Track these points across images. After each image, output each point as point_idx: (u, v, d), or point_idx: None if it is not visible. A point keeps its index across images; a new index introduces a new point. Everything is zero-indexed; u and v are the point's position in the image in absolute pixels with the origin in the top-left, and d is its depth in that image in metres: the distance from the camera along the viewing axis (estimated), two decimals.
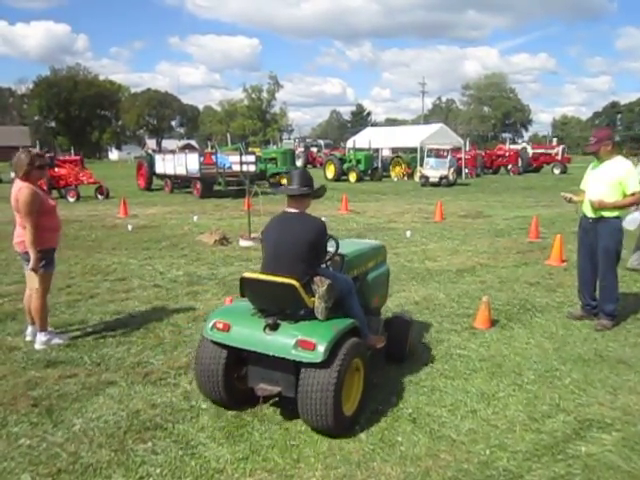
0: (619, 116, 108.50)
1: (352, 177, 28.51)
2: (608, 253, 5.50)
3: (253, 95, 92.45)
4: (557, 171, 37.04)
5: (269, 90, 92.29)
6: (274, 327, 3.56)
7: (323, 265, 4.06)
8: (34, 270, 4.79)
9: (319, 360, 3.34)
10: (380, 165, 31.63)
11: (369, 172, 29.11)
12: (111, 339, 5.16)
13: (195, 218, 13.77)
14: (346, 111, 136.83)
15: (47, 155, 36.60)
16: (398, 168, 31.37)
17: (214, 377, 3.70)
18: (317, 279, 3.68)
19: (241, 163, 16.11)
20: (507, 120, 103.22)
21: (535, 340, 5.21)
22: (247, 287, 3.76)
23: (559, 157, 38.34)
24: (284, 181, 23.58)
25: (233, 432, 3.52)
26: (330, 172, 29.84)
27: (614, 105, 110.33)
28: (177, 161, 20.74)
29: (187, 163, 20.02)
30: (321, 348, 3.36)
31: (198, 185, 19.84)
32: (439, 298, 6.60)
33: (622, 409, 3.85)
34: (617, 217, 5.48)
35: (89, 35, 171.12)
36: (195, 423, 3.64)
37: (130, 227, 12.17)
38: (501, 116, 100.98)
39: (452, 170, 25.65)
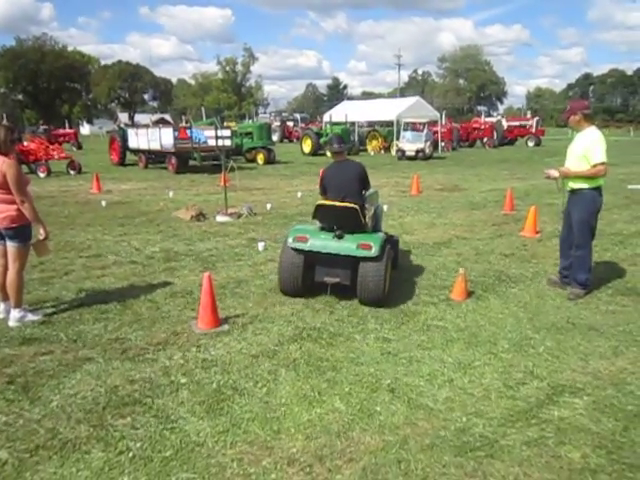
0: (591, 88, 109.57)
1: (329, 151, 28.37)
2: (580, 224, 5.58)
3: (228, 68, 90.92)
4: (531, 144, 37.42)
5: (244, 63, 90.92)
6: (340, 237, 5.31)
7: (371, 192, 6.03)
8: (47, 238, 4.94)
9: (375, 255, 5.14)
10: (357, 139, 31.50)
11: None
12: (87, 316, 5.10)
13: (171, 194, 13.58)
14: (322, 84, 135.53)
15: (43, 128, 35.87)
16: (375, 142, 31.33)
17: (294, 275, 5.40)
18: (367, 205, 5.78)
19: (217, 138, 15.89)
20: (482, 93, 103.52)
21: (510, 310, 5.30)
22: (320, 211, 5.46)
23: (533, 129, 38.65)
24: (260, 156, 23.40)
25: (213, 406, 3.53)
26: (307, 146, 29.62)
27: (587, 77, 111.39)
28: (151, 136, 20.34)
29: (161, 138, 19.65)
30: (375, 248, 5.16)
31: (173, 160, 19.54)
32: (416, 270, 6.65)
33: (593, 374, 3.96)
34: (592, 189, 5.50)
35: (54, 3, 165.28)
36: (175, 398, 3.63)
37: (104, 203, 11.96)
38: (476, 89, 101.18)
39: (428, 143, 25.67)
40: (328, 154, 27.81)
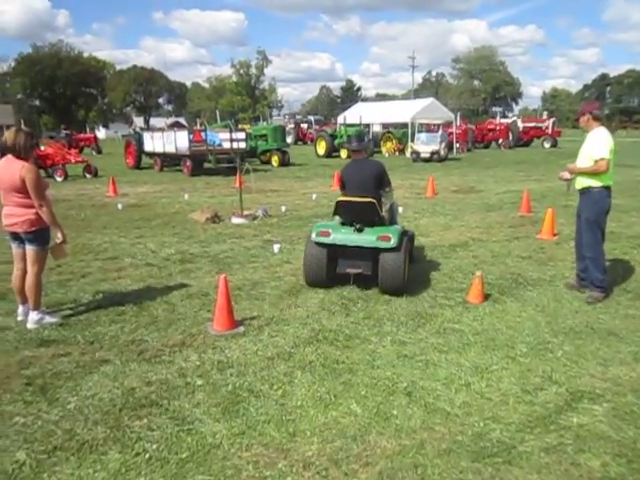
0: (608, 88, 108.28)
1: (343, 153, 28.30)
2: (588, 224, 5.58)
3: (241, 71, 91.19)
4: (547, 145, 37.05)
5: (257, 66, 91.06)
6: (360, 230, 5.68)
7: (388, 193, 6.25)
8: (64, 242, 4.98)
9: (394, 246, 5.49)
10: (371, 141, 31.46)
11: None
12: (104, 318, 5.13)
13: (186, 196, 13.66)
14: (336, 86, 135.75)
15: (65, 132, 36.45)
16: (389, 144, 31.24)
17: (319, 268, 5.79)
18: (383, 200, 6.07)
19: (231, 140, 15.96)
20: (497, 94, 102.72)
21: (527, 313, 5.24)
22: (340, 206, 5.83)
23: (549, 131, 38.28)
24: (275, 158, 23.45)
25: (229, 408, 3.53)
26: (321, 148, 29.64)
27: (603, 77, 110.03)
28: (166, 139, 20.49)
29: (176, 141, 19.79)
30: (394, 239, 5.51)
31: (188, 163, 19.66)
32: (432, 273, 6.61)
33: (612, 380, 3.90)
34: (599, 188, 5.46)
35: (70, 10, 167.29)
36: (191, 399, 3.64)
37: (120, 206, 12.06)
38: (491, 90, 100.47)
39: (443, 145, 25.53)
40: (343, 155, 27.91)
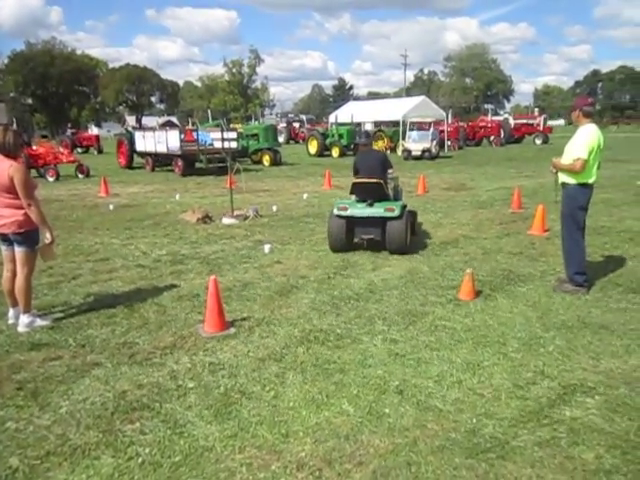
0: (600, 85, 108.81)
1: (335, 152, 28.34)
2: (563, 218, 5.75)
3: (234, 70, 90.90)
4: (539, 141, 37.21)
5: (250, 64, 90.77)
6: (371, 205, 7.24)
7: (392, 176, 7.89)
8: (53, 243, 4.95)
9: (397, 215, 7.07)
10: (357, 140, 31.42)
11: (352, 147, 28.90)
12: (95, 320, 5.11)
13: (177, 196, 13.63)
14: (328, 85, 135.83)
15: (70, 132, 36.29)
16: (381, 142, 31.20)
17: (339, 236, 7.40)
18: (389, 180, 7.69)
19: (223, 140, 15.85)
20: (489, 91, 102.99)
21: (519, 309, 5.26)
22: (355, 187, 7.44)
23: (541, 127, 38.43)
24: (266, 158, 23.39)
25: (221, 410, 3.52)
26: (313, 147, 29.62)
27: (595, 74, 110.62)
28: (158, 138, 20.43)
29: (168, 140, 19.74)
30: (397, 210, 7.09)
31: (179, 163, 19.62)
32: (423, 271, 6.62)
33: (605, 373, 3.92)
34: (577, 185, 5.54)
35: (63, 7, 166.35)
36: (182, 402, 3.62)
37: (111, 206, 12.01)
38: (483, 87, 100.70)
39: (435, 143, 25.56)
40: (334, 154, 27.93)
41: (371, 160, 7.60)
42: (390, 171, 7.78)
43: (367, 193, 7.37)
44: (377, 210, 7.17)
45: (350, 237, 7.51)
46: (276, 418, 3.42)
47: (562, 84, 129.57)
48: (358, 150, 8.15)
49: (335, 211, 7.38)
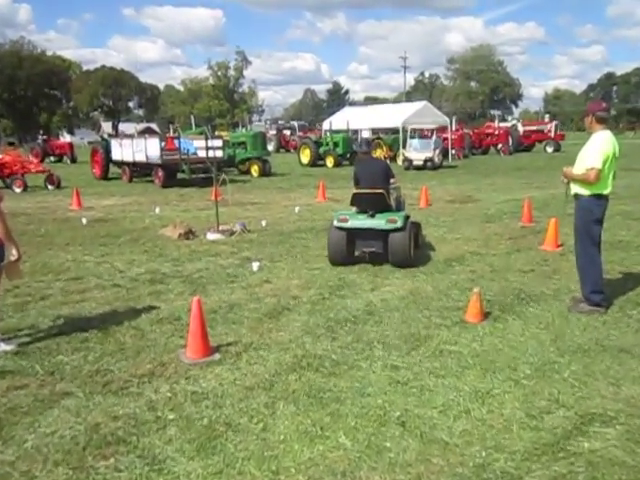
0: (615, 88, 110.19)
1: (329, 162, 28.50)
2: (577, 232, 5.80)
3: (219, 73, 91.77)
4: (550, 149, 37.62)
5: (236, 67, 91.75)
6: (372, 216, 7.49)
7: (394, 186, 8.17)
8: (20, 260, 4.93)
9: (400, 226, 7.31)
10: (356, 148, 31.63)
11: (348, 156, 29.09)
12: (66, 345, 5.06)
13: (157, 210, 13.61)
14: (321, 89, 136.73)
15: (42, 139, 36.12)
16: (379, 151, 31.35)
17: (340, 249, 7.63)
18: (391, 191, 7.92)
19: (207, 148, 15.90)
20: (496, 96, 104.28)
21: (531, 332, 5.27)
22: (356, 198, 7.70)
23: (552, 134, 38.84)
24: (255, 168, 23.46)
25: (204, 444, 3.48)
26: (305, 157, 29.78)
27: (609, 76, 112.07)
28: (136, 147, 20.49)
29: (147, 149, 19.80)
30: (400, 221, 7.34)
31: (160, 173, 19.66)
32: (427, 291, 6.63)
33: (625, 401, 3.92)
34: (590, 196, 5.58)
35: (32, 5, 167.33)
36: (162, 435, 3.59)
37: (85, 220, 11.98)
38: (489, 91, 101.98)
39: (437, 152, 25.78)
40: (329, 164, 28.03)
41: (372, 169, 7.88)
42: (392, 181, 8.04)
43: (368, 204, 7.60)
44: (379, 221, 7.40)
45: (351, 250, 7.77)
46: (265, 453, 3.38)
47: (574, 88, 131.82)
48: (358, 159, 8.43)
49: (335, 222, 7.63)
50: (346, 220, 7.54)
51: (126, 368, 4.59)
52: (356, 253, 7.84)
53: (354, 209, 7.87)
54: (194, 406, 3.94)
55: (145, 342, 5.14)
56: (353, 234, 7.63)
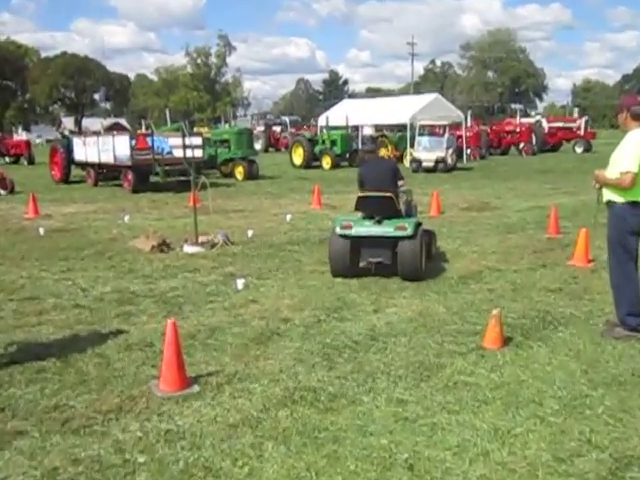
0: None
1: (326, 163, 28.61)
2: (612, 245, 5.82)
3: (198, 60, 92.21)
4: (579, 149, 37.89)
5: (218, 54, 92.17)
6: (380, 222, 7.71)
7: (404, 189, 8.50)
8: None
9: (410, 234, 7.47)
10: (360, 147, 31.75)
11: (347, 156, 29.21)
12: (19, 376, 5.04)
13: (126, 218, 13.62)
14: (316, 80, 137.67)
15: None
16: (383, 150, 31.49)
17: (343, 259, 7.82)
18: (400, 194, 8.23)
19: (184, 147, 15.93)
20: (517, 87, 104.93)
21: (559, 360, 5.27)
22: (361, 202, 7.96)
23: (581, 132, 39.10)
24: (239, 170, 23.51)
25: None
26: (298, 157, 29.88)
27: None
28: (102, 145, 20.57)
29: (115, 148, 19.87)
30: (410, 228, 7.50)
31: (129, 176, 19.71)
32: (438, 312, 6.64)
33: None
34: (624, 203, 5.62)
35: None
36: None
37: (42, 230, 11.97)
38: (509, 83, 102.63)
39: (451, 151, 25.93)
40: (325, 165, 28.12)
41: (379, 170, 8.22)
42: (401, 183, 8.30)
43: (375, 209, 7.85)
44: (387, 229, 7.63)
45: (355, 260, 7.94)
46: None
47: (606, 79, 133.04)
48: (363, 159, 8.83)
49: (337, 230, 7.82)
50: (350, 227, 7.74)
51: (89, 403, 4.56)
52: (361, 264, 7.99)
53: (359, 214, 8.13)
54: (168, 447, 3.93)
55: (111, 372, 5.12)
56: (358, 242, 7.83)
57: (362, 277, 7.89)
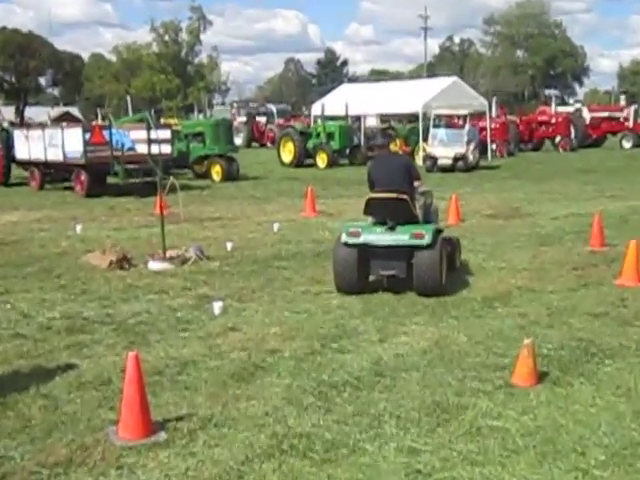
0: None
1: (321, 160, 28.66)
2: None
3: (166, 37, 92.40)
4: (628, 144, 38.04)
5: (190, 29, 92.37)
6: (393, 229, 7.87)
7: (421, 190, 8.62)
8: None
9: (428, 243, 7.62)
10: (363, 141, 31.80)
11: (347, 152, 29.25)
12: None
13: (79, 228, 13.61)
14: (309, 60, 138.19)
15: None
16: (391, 145, 31.64)
17: (349, 271, 7.98)
18: (417, 196, 8.35)
19: (149, 142, 15.99)
20: (552, 70, 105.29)
21: (604, 401, 5.27)
22: (371, 204, 8.11)
23: (630, 123, 39.26)
24: (216, 169, 23.49)
25: None
26: (287, 154, 29.92)
27: None
28: (49, 140, 20.57)
29: (65, 143, 19.87)
30: (428, 236, 7.64)
31: (82, 177, 19.69)
32: (458, 342, 6.64)
33: None
34: None
35: None
36: None
37: None
38: (543, 64, 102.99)
39: (472, 147, 26.01)
40: (320, 164, 28.17)
41: (391, 167, 8.44)
42: (417, 183, 8.52)
43: (387, 213, 8.06)
44: (401, 236, 7.83)
45: (364, 273, 8.15)
46: None
47: None
48: (373, 154, 9.20)
49: (344, 237, 8.04)
50: (358, 234, 7.93)
51: (32, 454, 4.54)
52: (371, 277, 8.25)
53: (369, 219, 8.35)
54: None
55: (60, 417, 5.10)
56: (367, 252, 8.02)
57: (366, 299, 7.92)
